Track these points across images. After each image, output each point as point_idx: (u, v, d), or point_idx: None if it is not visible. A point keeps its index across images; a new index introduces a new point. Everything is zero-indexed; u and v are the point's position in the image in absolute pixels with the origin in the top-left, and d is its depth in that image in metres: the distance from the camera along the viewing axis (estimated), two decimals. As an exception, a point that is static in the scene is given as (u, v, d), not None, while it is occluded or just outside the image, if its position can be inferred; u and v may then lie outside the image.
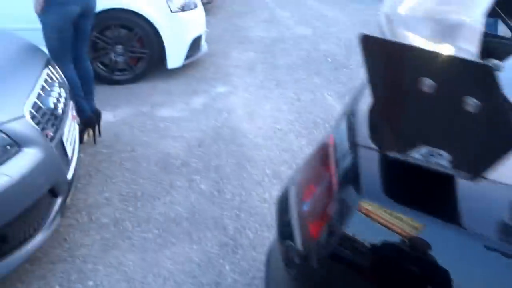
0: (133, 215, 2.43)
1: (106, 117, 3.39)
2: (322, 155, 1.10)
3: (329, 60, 5.09)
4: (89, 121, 3.05)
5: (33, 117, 1.91)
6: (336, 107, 3.91)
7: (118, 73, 4.06)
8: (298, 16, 7.07)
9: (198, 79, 4.29)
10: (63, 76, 2.60)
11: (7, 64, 2.20)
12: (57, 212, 1.99)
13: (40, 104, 2.03)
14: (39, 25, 2.80)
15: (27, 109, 1.90)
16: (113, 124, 3.39)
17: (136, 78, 4.11)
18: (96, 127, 3.11)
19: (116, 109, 3.63)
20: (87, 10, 2.88)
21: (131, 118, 3.49)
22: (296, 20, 6.80)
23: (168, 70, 4.20)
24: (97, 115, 3.13)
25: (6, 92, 1.94)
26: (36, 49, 2.52)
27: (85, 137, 3.05)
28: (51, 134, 2.01)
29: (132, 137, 3.21)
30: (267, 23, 6.56)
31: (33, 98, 1.99)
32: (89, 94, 3.12)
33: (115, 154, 3.00)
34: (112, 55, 3.98)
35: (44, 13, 2.77)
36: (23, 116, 1.84)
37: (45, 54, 2.55)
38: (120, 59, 4.01)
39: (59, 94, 2.27)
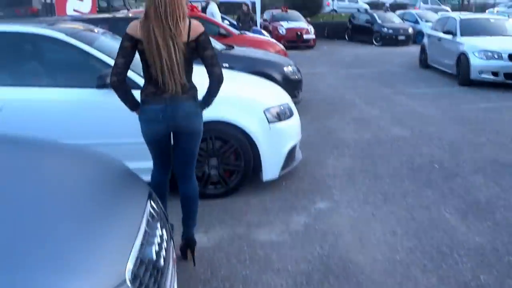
0: None
1: (200, 240, 3.06)
2: None
3: (436, 166, 4.56)
4: (181, 251, 2.73)
5: (134, 279, 1.57)
6: (460, 229, 3.31)
7: (211, 187, 3.80)
8: (390, 114, 6.70)
9: (294, 193, 3.92)
10: (161, 204, 2.35)
11: (106, 202, 1.94)
12: None
13: (141, 257, 1.71)
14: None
15: (128, 270, 1.57)
16: (208, 250, 3.03)
17: (229, 192, 3.82)
18: (190, 253, 2.78)
19: (210, 230, 3.30)
20: (181, 130, 2.67)
21: (227, 243, 3.12)
22: (388, 119, 6.42)
23: (262, 182, 3.89)
24: (191, 244, 2.80)
25: (107, 245, 1.63)
26: (136, 178, 2.29)
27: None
28: (153, 298, 1.66)
29: (229, 269, 2.81)
30: (357, 123, 6.23)
31: (135, 252, 1.67)
32: (187, 220, 2.84)
33: (212, 292, 2.60)
34: (206, 168, 3.76)
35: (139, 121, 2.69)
36: (124, 283, 1.51)
37: (146, 184, 2.31)
38: (213, 172, 3.77)
39: (161, 237, 1.95)
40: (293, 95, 5.88)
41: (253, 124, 3.71)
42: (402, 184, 4.10)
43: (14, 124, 3.38)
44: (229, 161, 3.78)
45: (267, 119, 3.76)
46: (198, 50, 2.56)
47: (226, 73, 4.66)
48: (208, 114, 3.60)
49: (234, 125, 3.67)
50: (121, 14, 9.14)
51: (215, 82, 2.67)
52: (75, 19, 6.14)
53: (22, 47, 3.60)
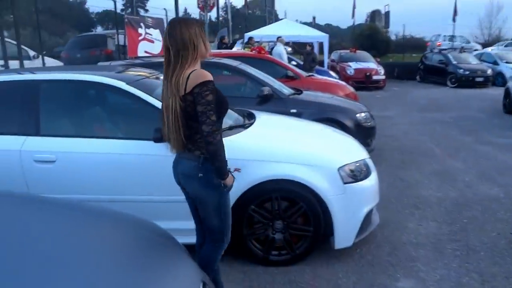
0: None
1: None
2: None
3: (544, 239, 3.81)
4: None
5: None
6: None
7: (275, 253, 3.35)
8: (476, 168, 5.95)
9: (371, 265, 3.37)
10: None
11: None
12: None
13: None
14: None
15: None
16: (269, 337, 2.56)
17: (295, 260, 3.35)
18: None
19: (272, 309, 2.83)
20: (185, 187, 2.49)
21: (292, 329, 2.64)
22: (475, 174, 5.67)
23: (333, 250, 3.38)
24: None
25: None
26: (188, 262, 1.90)
27: None
28: None
29: None
30: (439, 177, 5.55)
31: None
32: None
33: None
34: (270, 232, 3.32)
35: None
36: None
37: (199, 270, 1.91)
38: (278, 236, 3.33)
39: None
40: (365, 144, 5.38)
41: (325, 184, 3.24)
42: (503, 261, 3.41)
43: (68, 177, 3.18)
44: (297, 225, 3.32)
45: (342, 178, 3.28)
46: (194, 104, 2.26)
47: (295, 124, 4.35)
48: (273, 171, 3.23)
49: (302, 184, 3.23)
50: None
51: (205, 143, 2.28)
52: (142, 64, 6.07)
53: (80, 95, 3.45)
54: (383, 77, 16.60)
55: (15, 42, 9.25)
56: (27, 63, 9.24)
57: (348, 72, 16.30)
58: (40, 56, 9.98)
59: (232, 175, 2.40)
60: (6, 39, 9.27)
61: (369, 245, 3.65)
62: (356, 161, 3.48)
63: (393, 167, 5.96)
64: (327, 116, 5.60)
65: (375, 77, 16.31)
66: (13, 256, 1.51)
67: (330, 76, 11.89)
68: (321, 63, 15.66)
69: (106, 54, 12.28)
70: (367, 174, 3.50)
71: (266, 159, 3.25)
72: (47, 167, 3.17)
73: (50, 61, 10.77)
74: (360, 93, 11.06)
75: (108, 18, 34.07)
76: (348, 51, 18.80)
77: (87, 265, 1.56)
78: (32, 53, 10.37)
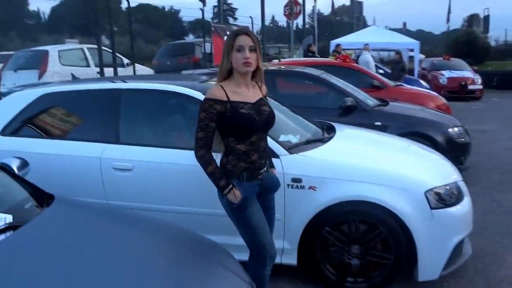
0: None
1: None
2: None
3: None
4: None
5: None
6: None
7: (350, 280, 3.10)
8: None
9: (461, 303, 2.99)
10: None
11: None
12: None
13: None
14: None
15: None
16: None
17: (372, 289, 3.08)
18: None
19: None
20: None
21: None
22: None
23: (417, 282, 3.05)
24: None
25: None
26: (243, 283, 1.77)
27: None
28: None
29: None
30: (545, 203, 4.89)
31: None
32: None
33: None
34: (346, 257, 3.08)
35: None
36: None
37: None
38: (354, 262, 3.08)
39: None
40: (459, 162, 4.94)
41: (409, 208, 2.94)
42: None
43: (143, 186, 3.20)
44: (376, 251, 3.05)
45: (429, 203, 2.96)
46: None
47: (378, 138, 4.04)
48: (352, 191, 2.98)
49: (384, 207, 2.95)
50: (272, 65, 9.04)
51: None
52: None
53: (159, 105, 3.46)
54: (480, 86, 15.35)
55: (110, 51, 9.85)
56: (120, 71, 9.79)
57: (441, 81, 15.30)
58: (132, 64, 10.52)
59: (236, 191, 2.32)
60: (104, 48, 9.91)
61: (459, 280, 3.25)
62: (446, 184, 3.13)
63: (490, 189, 5.36)
64: (416, 131, 5.21)
65: (471, 87, 15.13)
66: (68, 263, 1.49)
67: (421, 85, 11.22)
68: (411, 72, 14.87)
69: (193, 61, 12.68)
70: (458, 199, 3.13)
71: (345, 178, 3.03)
72: (124, 175, 3.22)
73: (141, 69, 11.32)
74: (454, 104, 10.30)
75: (199, 26, 35.52)
76: (441, 58, 17.70)
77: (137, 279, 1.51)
78: (126, 61, 10.98)
